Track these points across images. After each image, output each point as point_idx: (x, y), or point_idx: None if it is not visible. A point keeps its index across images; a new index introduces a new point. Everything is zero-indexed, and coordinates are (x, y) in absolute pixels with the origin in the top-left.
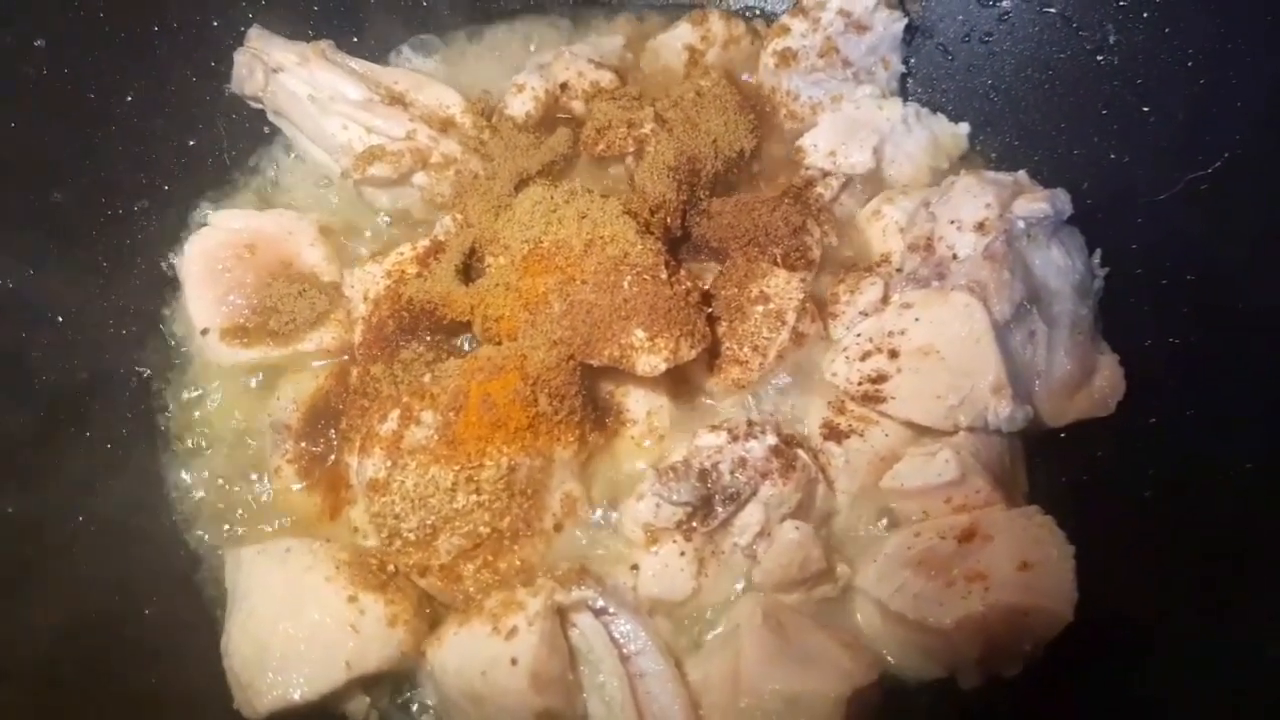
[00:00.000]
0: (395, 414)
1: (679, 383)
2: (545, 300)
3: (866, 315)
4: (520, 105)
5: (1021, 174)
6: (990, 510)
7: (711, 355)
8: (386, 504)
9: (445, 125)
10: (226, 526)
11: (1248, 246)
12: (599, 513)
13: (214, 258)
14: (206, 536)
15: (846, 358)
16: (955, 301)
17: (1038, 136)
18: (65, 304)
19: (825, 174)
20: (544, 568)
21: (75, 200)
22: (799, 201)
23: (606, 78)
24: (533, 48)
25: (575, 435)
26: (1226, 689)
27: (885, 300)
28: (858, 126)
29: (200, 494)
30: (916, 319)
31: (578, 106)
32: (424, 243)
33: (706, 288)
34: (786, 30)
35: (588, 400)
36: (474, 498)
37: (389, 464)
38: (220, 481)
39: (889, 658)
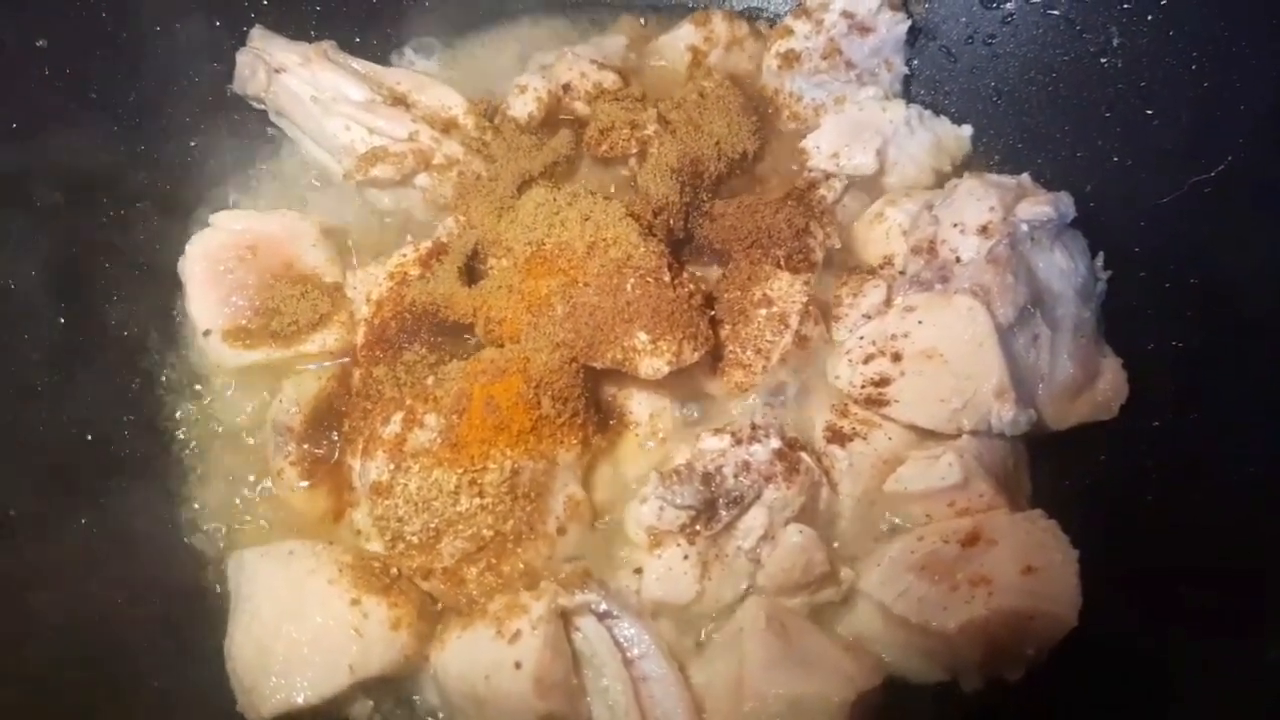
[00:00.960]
0: (398, 417)
1: (682, 385)
2: (548, 302)
3: (869, 318)
4: (523, 106)
5: (1025, 177)
6: (993, 514)
7: (714, 358)
8: (390, 507)
9: (448, 126)
10: (229, 529)
11: (1251, 250)
12: (602, 516)
13: (216, 259)
14: (209, 539)
15: (849, 361)
16: (958, 305)
17: (1041, 139)
18: (67, 305)
19: (828, 176)
20: (547, 571)
21: (77, 201)
22: (802, 204)
23: (609, 79)
24: (535, 49)
25: (578, 438)
26: (1229, 693)
27: (888, 303)
28: (861, 128)
29: (203, 496)
30: (920, 322)
31: (580, 108)
32: (426, 244)
33: (709, 290)
34: (790, 32)
35: (591, 403)
36: (477, 501)
37: (392, 467)
38: (223, 484)
39: (892, 661)
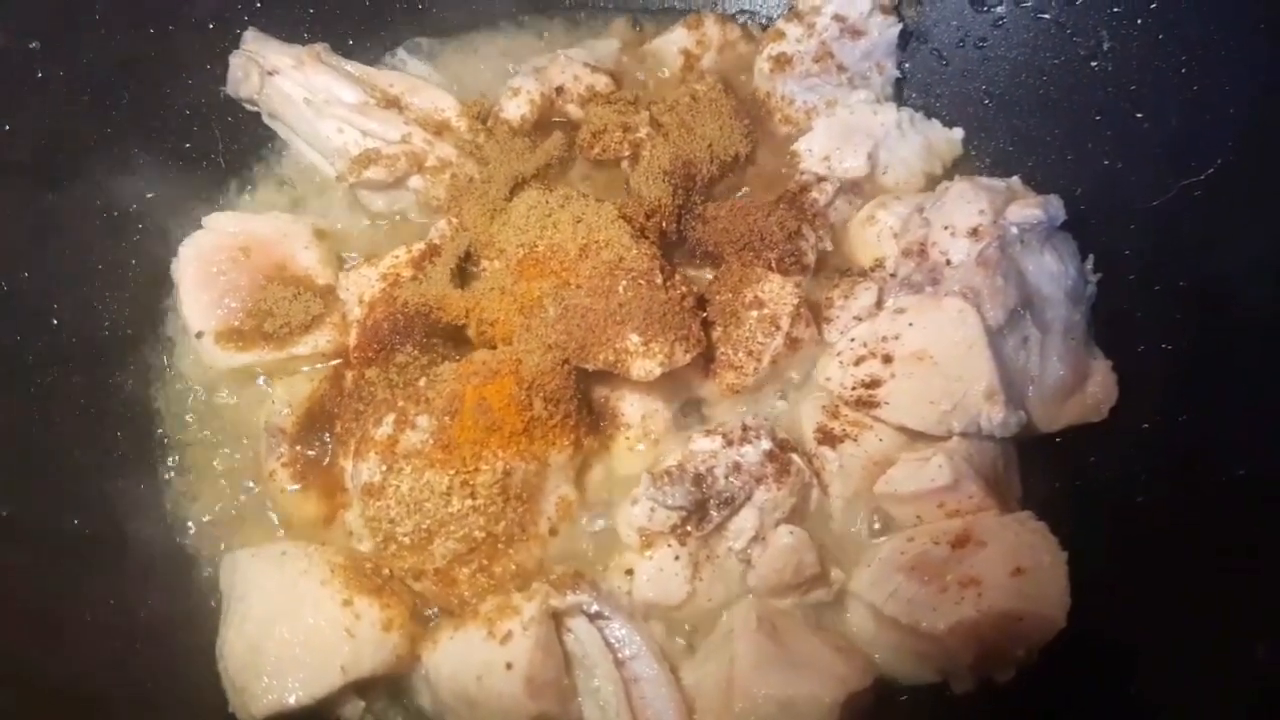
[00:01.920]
0: (390, 418)
1: (674, 387)
2: (540, 304)
3: (860, 320)
4: (516, 109)
5: (1015, 180)
6: (983, 515)
7: (706, 360)
8: (381, 508)
9: (440, 129)
10: (221, 530)
11: (1241, 252)
12: (594, 517)
13: (208, 261)
14: (201, 540)
15: (840, 363)
16: (949, 307)
17: (1032, 142)
18: (60, 307)
19: (820, 179)
20: (539, 572)
21: (70, 203)
22: (794, 206)
23: (602, 82)
24: (528, 51)
25: (570, 439)
26: (1219, 693)
27: (879, 305)
28: (852, 131)
29: (195, 498)
30: (910, 324)
31: (573, 110)
32: (419, 246)
33: (701, 292)
34: (781, 35)
35: (583, 404)
36: (469, 502)
37: (384, 468)
38: (215, 485)
39: (882, 662)
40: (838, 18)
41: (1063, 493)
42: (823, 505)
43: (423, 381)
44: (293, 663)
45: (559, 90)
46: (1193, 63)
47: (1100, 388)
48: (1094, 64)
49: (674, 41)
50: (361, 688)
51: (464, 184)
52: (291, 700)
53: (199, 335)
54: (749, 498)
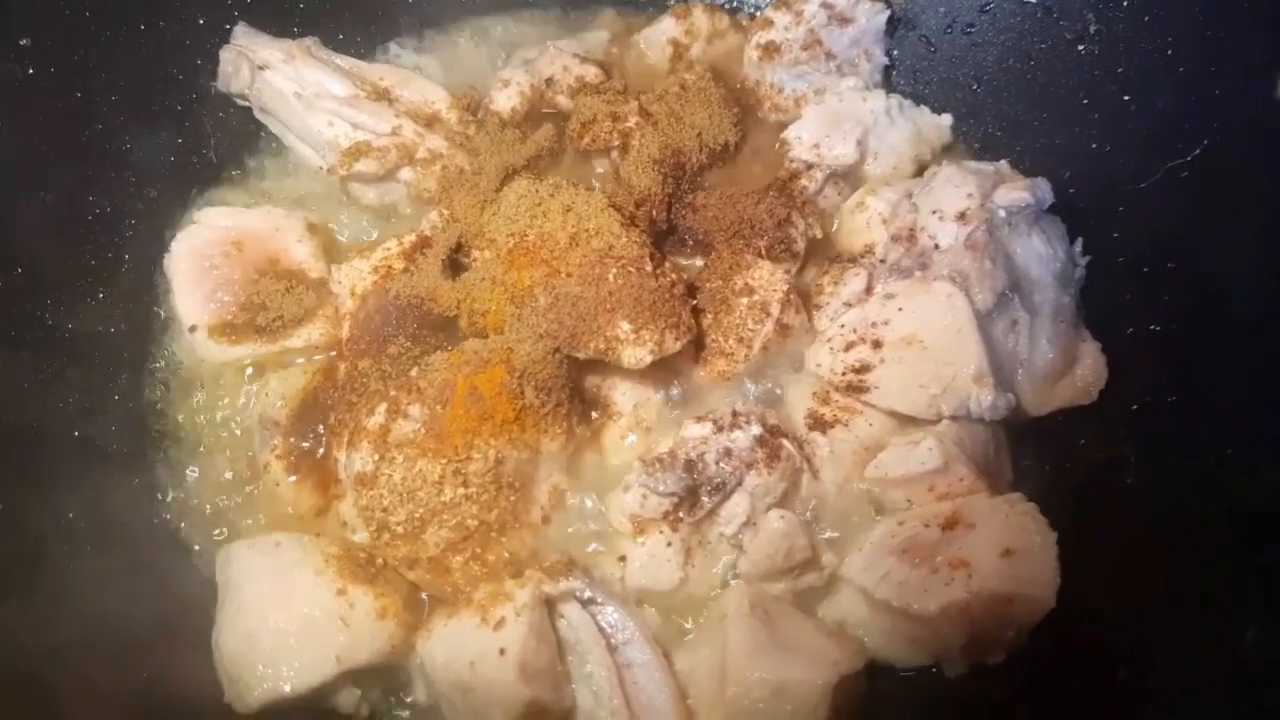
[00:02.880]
0: (382, 408)
1: (665, 375)
2: (531, 294)
3: (850, 306)
4: (506, 100)
5: (1003, 163)
6: (974, 498)
7: (697, 347)
8: (374, 497)
9: (431, 121)
10: (216, 522)
11: (1228, 234)
12: (586, 504)
13: (201, 255)
14: (196, 532)
15: (830, 348)
16: (937, 291)
17: (1020, 126)
18: (53, 302)
19: (809, 166)
20: (532, 559)
21: (62, 198)
22: (783, 194)
23: (591, 72)
24: (518, 43)
25: (562, 428)
26: (1207, 673)
27: (869, 291)
28: (841, 119)
29: (190, 490)
30: (899, 309)
31: (563, 101)
32: (410, 238)
33: (691, 280)
34: (770, 23)
35: (574, 393)
36: (461, 490)
37: (377, 458)
38: (209, 477)
39: (874, 646)
40: (825, 5)
41: (1052, 475)
42: (814, 490)
43: (415, 371)
44: (287, 652)
45: (548, 81)
46: (1179, 45)
47: (1089, 370)
48: (1081, 47)
49: (663, 31)
50: (356, 676)
51: (454, 176)
52: (287, 689)
53: (192, 329)
54: (740, 483)
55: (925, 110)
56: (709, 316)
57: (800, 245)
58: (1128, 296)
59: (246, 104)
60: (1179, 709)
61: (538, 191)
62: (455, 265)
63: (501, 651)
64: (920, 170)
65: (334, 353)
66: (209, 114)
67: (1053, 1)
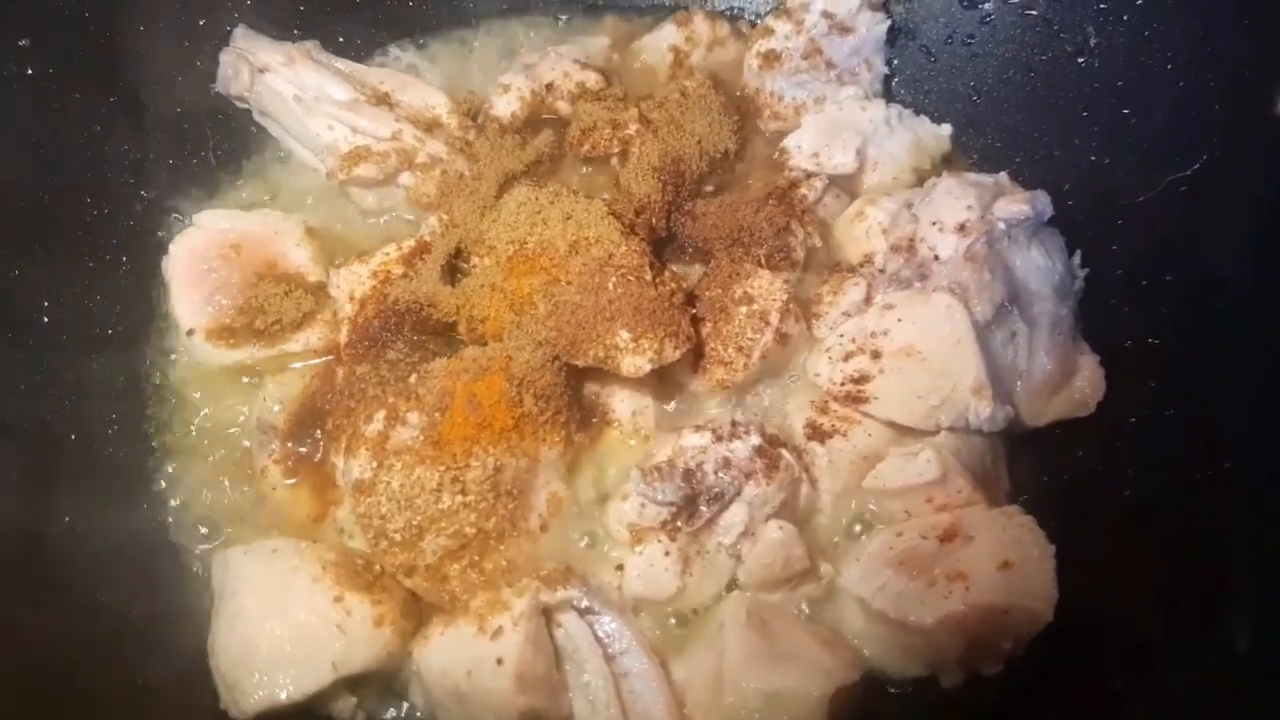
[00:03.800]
0: (381, 415)
1: (664, 383)
2: (530, 301)
3: (849, 316)
4: (506, 106)
5: (1003, 175)
6: (971, 510)
7: (696, 356)
8: (372, 504)
9: (431, 126)
10: (213, 527)
11: (1227, 247)
12: (584, 513)
13: (200, 258)
14: (193, 537)
15: (829, 358)
16: (937, 302)
17: (1019, 138)
18: (51, 305)
19: (809, 175)
20: (529, 568)
21: (60, 201)
22: (783, 202)
23: (592, 78)
24: (519, 48)
25: (561, 436)
26: (1203, 684)
27: (868, 301)
28: (841, 128)
29: (187, 495)
30: (899, 320)
31: (563, 107)
32: (410, 243)
33: (691, 288)
34: (770, 32)
35: (573, 401)
36: (460, 498)
37: (375, 465)
38: (207, 482)
39: (871, 656)
40: (826, 14)
41: (1050, 487)
42: (812, 500)
43: (413, 378)
44: (284, 659)
45: (549, 87)
46: (1179, 58)
47: (1087, 382)
48: (1081, 60)
49: (663, 38)
50: (353, 684)
51: (454, 181)
52: (283, 696)
53: (190, 333)
54: (738, 493)
55: (925, 120)
56: (708, 325)
57: (799, 254)
58: (1126, 309)
59: (246, 107)
60: (1178, 719)
61: (538, 199)
62: (454, 271)
63: (499, 660)
64: (920, 180)
65: (332, 357)
66: (208, 117)
67: (1053, 14)
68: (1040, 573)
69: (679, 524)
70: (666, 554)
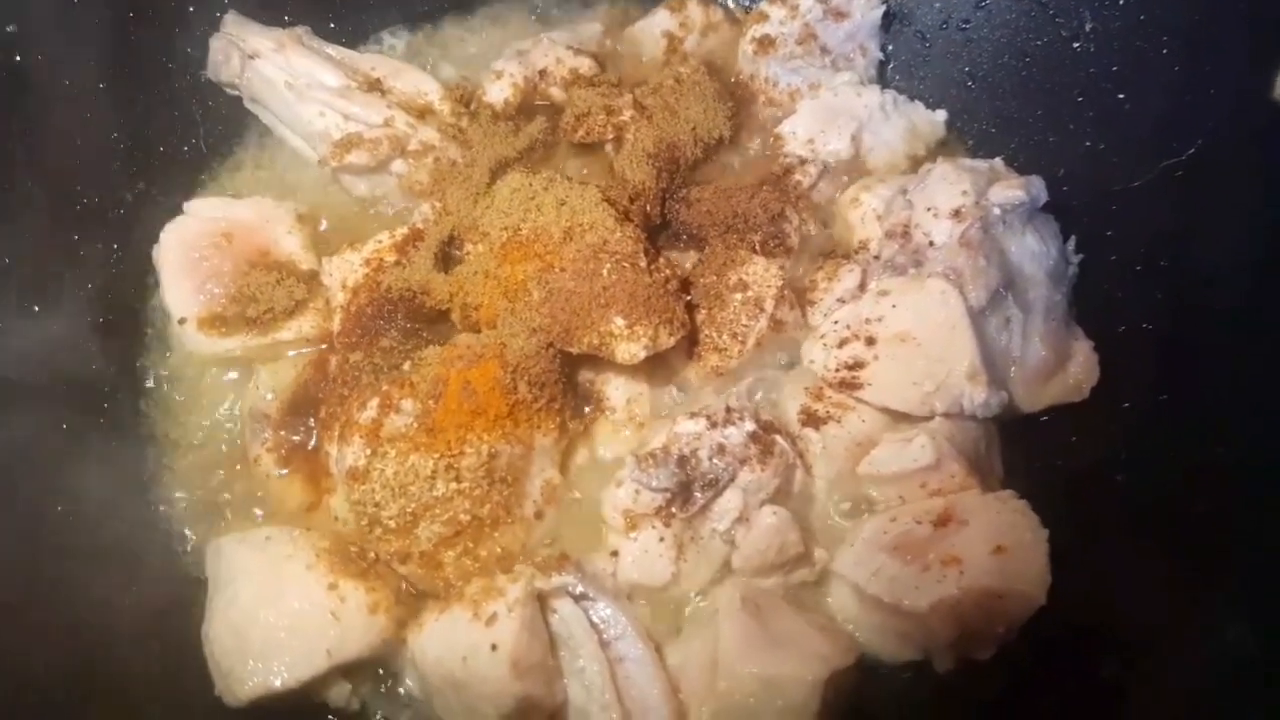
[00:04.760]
0: (374, 402)
1: (658, 370)
2: (524, 288)
3: (844, 302)
4: (499, 92)
5: (998, 161)
6: (965, 495)
7: (691, 342)
8: (366, 492)
9: (423, 112)
10: (206, 515)
11: (1221, 233)
12: (579, 499)
13: (191, 246)
14: (187, 525)
15: (824, 345)
16: (931, 288)
17: (1014, 124)
18: (42, 294)
19: (804, 161)
20: (524, 554)
21: (49, 190)
22: (777, 189)
23: (585, 64)
24: (512, 35)
25: (555, 423)
26: (1193, 671)
27: (863, 287)
28: (836, 114)
29: (180, 483)
30: (893, 306)
31: (557, 93)
32: (402, 230)
33: (685, 275)
34: (765, 17)
35: (567, 388)
36: (454, 485)
37: (368, 452)
38: (200, 471)
39: (865, 641)
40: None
41: (1044, 472)
42: (806, 486)
43: (407, 365)
44: (278, 646)
45: (542, 73)
46: (1175, 44)
47: (1081, 368)
48: (1076, 45)
49: (657, 24)
50: (347, 671)
51: (447, 168)
52: (277, 683)
53: (181, 321)
54: (733, 479)
55: (920, 106)
56: (703, 312)
57: (794, 240)
58: (1120, 295)
59: (236, 93)
60: (1168, 705)
61: (531, 185)
62: (448, 258)
63: (493, 647)
64: (914, 166)
65: (325, 345)
66: (198, 103)
67: None
68: (1033, 557)
69: (674, 510)
70: (661, 540)
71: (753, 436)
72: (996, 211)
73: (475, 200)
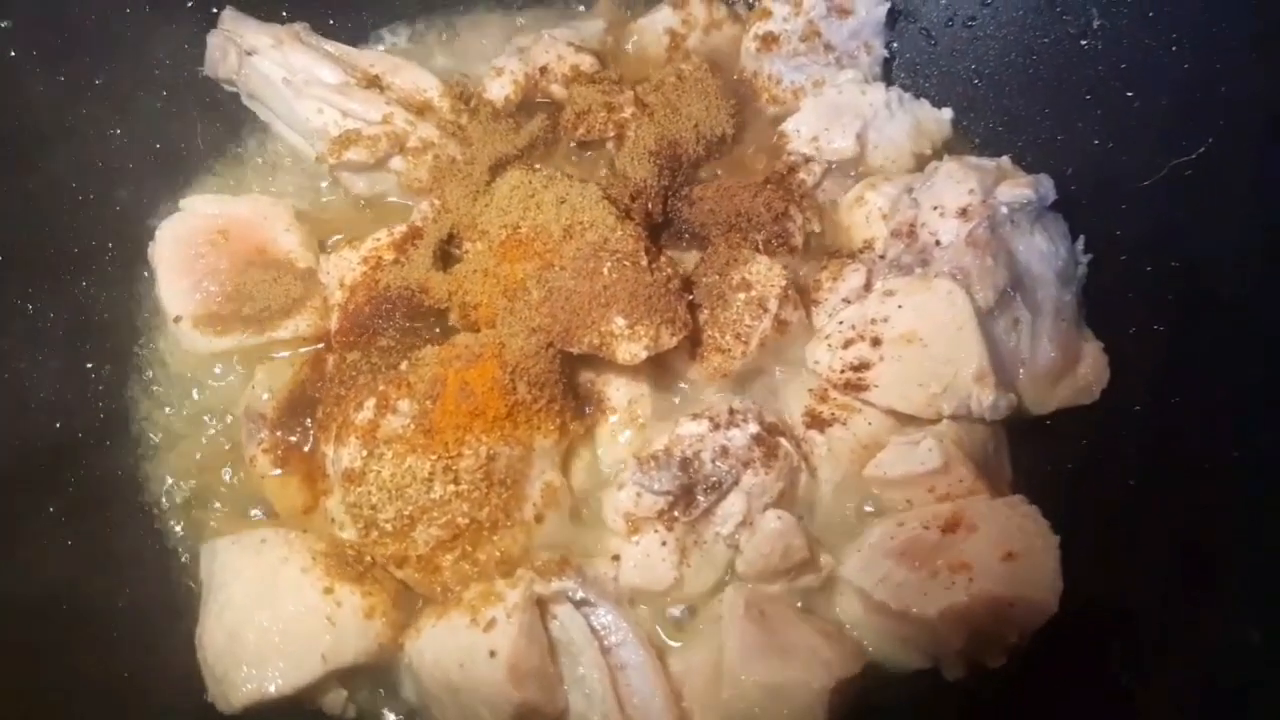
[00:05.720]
0: (371, 402)
1: (660, 371)
2: (524, 286)
3: (849, 302)
4: (499, 89)
5: (1005, 159)
6: (974, 499)
7: (693, 343)
8: (363, 494)
9: (422, 109)
10: (201, 517)
11: (1231, 233)
12: (580, 503)
13: (187, 244)
14: (181, 527)
15: (829, 345)
16: (938, 288)
17: (1021, 122)
18: (35, 291)
19: (808, 159)
20: (524, 559)
21: (45, 186)
22: (781, 187)
23: (586, 61)
24: (512, 31)
25: (555, 424)
26: (1206, 676)
27: (868, 287)
28: (840, 111)
29: (175, 484)
30: (899, 306)
31: (557, 90)
32: (401, 228)
33: (687, 274)
34: (768, 14)
35: (568, 389)
36: (452, 488)
37: (365, 453)
38: (195, 472)
39: (872, 648)
40: None
41: (1054, 476)
42: (811, 490)
43: (404, 365)
44: (273, 651)
45: (543, 70)
46: (1183, 41)
47: (1091, 369)
48: (1084, 42)
49: (659, 21)
50: (343, 676)
51: (446, 165)
52: (272, 689)
53: (177, 320)
54: (736, 482)
55: (925, 104)
56: (705, 312)
57: (798, 239)
58: (1130, 295)
59: (234, 90)
60: (1181, 711)
61: (531, 183)
62: (447, 257)
63: (492, 653)
64: (920, 165)
65: (322, 345)
66: (195, 100)
67: None
68: (1045, 563)
69: (676, 514)
70: (663, 544)
71: (756, 439)
72: (1004, 210)
73: (475, 198)
